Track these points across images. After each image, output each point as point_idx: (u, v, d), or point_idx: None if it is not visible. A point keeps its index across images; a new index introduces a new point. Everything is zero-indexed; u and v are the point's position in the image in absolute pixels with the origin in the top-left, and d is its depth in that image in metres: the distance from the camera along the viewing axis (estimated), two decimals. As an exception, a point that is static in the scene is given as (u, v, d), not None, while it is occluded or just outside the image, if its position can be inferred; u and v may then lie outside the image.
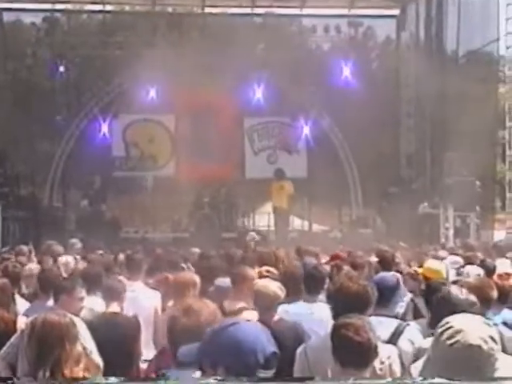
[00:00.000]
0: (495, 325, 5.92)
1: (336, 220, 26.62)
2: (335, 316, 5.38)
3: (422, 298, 7.59)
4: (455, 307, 5.05)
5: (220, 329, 3.74)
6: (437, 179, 23.04)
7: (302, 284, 7.55)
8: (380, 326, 5.69)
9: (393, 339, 5.77)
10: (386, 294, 6.41)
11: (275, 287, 6.53)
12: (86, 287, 8.00)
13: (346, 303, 5.42)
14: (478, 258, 10.73)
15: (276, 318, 6.43)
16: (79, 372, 4.63)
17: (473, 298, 5.37)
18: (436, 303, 5.48)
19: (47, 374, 4.49)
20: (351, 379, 3.98)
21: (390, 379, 4.73)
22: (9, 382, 4.08)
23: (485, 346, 3.58)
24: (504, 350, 5.25)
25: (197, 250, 12.96)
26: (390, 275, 7.22)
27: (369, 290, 5.61)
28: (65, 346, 4.59)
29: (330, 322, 5.27)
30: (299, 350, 5.52)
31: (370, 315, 6.08)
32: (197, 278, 7.59)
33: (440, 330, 3.72)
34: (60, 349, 4.57)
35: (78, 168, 24.34)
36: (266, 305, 6.42)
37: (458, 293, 5.33)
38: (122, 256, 11.79)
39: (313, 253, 11.67)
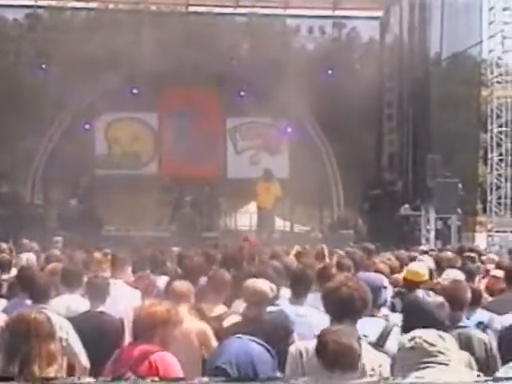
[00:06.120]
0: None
1: (317, 221, 26.69)
2: (331, 319, 5.37)
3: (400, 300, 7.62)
4: (423, 310, 5.09)
5: None
6: (418, 181, 23.08)
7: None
8: (367, 325, 5.70)
9: (381, 340, 5.73)
10: (373, 295, 6.37)
11: (264, 285, 6.55)
12: (66, 285, 7.98)
13: (343, 307, 5.35)
14: (458, 261, 10.70)
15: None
16: (51, 372, 4.51)
17: (440, 299, 5.38)
18: (405, 308, 5.50)
19: (16, 370, 4.44)
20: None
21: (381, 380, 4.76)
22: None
23: None
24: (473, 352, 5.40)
25: (176, 249, 12.95)
26: (374, 275, 7.19)
27: (366, 294, 5.55)
28: (32, 343, 4.52)
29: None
30: (292, 348, 5.49)
31: None
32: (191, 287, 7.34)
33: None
34: (27, 346, 4.51)
35: (59, 166, 24.21)
36: (253, 301, 6.47)
37: (425, 295, 5.33)
38: (98, 254, 11.71)
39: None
